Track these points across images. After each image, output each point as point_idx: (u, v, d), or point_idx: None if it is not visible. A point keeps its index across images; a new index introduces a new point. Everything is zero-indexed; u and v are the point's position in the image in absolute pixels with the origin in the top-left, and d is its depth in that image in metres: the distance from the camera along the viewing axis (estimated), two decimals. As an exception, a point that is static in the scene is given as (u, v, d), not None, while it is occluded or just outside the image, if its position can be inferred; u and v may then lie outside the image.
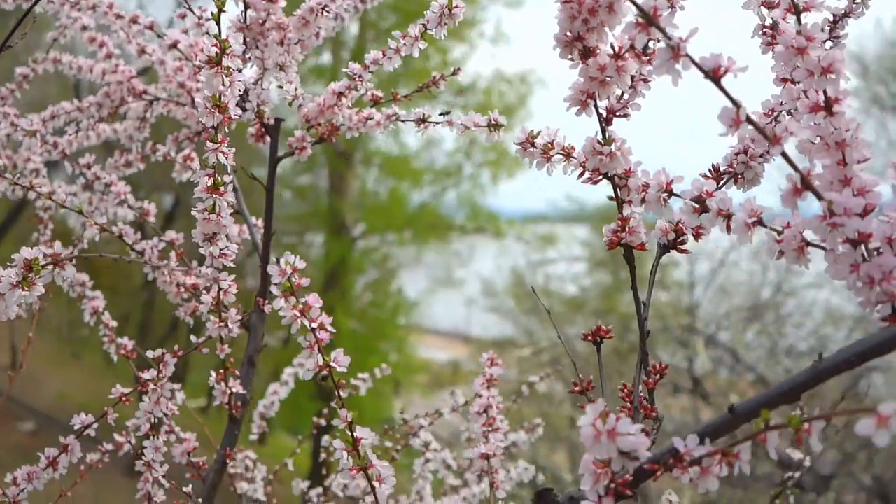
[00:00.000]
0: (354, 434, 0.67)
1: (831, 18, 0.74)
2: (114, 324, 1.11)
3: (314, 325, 0.64)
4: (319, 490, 1.40)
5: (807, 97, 0.57)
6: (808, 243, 0.56)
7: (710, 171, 0.71)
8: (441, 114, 0.98)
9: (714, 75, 0.52)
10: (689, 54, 0.51)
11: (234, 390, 0.99)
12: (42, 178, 1.27)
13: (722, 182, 0.71)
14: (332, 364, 0.66)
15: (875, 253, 0.53)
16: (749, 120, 0.51)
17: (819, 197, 0.52)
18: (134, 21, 1.11)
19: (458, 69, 1.03)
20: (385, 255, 12.50)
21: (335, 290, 11.29)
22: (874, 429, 0.41)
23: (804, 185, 0.52)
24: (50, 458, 0.93)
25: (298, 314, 0.64)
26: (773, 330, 6.50)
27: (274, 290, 0.63)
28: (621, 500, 0.58)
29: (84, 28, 1.19)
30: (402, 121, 1.00)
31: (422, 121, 0.98)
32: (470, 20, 11.09)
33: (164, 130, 1.37)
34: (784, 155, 0.52)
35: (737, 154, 0.70)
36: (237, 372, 0.98)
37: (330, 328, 0.65)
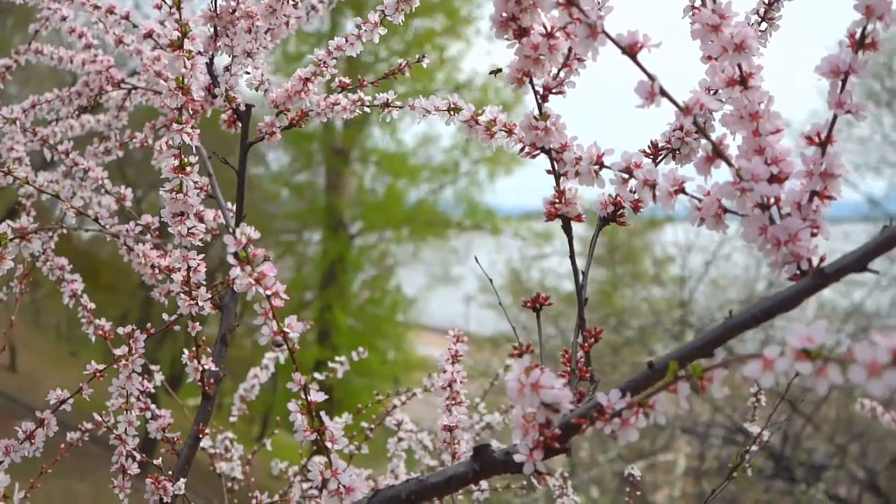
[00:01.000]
0: (309, 398, 0.70)
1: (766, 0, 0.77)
2: (92, 305, 1.15)
3: (269, 292, 0.68)
4: (296, 468, 1.43)
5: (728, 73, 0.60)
6: (726, 210, 0.59)
7: (648, 146, 0.75)
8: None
9: (630, 51, 0.55)
10: (606, 31, 0.55)
11: (206, 367, 1.03)
12: (25, 166, 1.30)
13: (660, 157, 0.75)
14: (286, 330, 0.69)
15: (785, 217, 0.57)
16: (663, 92, 0.55)
17: (729, 164, 0.56)
18: (110, 11, 1.14)
19: (423, 56, 1.06)
20: (383, 252, 12.54)
21: (333, 288, 11.33)
22: (760, 371, 0.45)
23: (716, 153, 0.56)
24: (27, 432, 0.97)
25: (254, 282, 0.67)
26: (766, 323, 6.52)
27: (230, 259, 0.67)
28: (552, 454, 0.62)
29: (63, 19, 1.23)
30: (368, 106, 1.03)
31: (385, 105, 1.01)
32: (466, 17, 11.12)
33: (143, 120, 1.40)
34: (696, 125, 0.56)
35: (674, 130, 0.74)
36: (209, 349, 1.02)
37: (284, 296, 0.68)
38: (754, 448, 1.12)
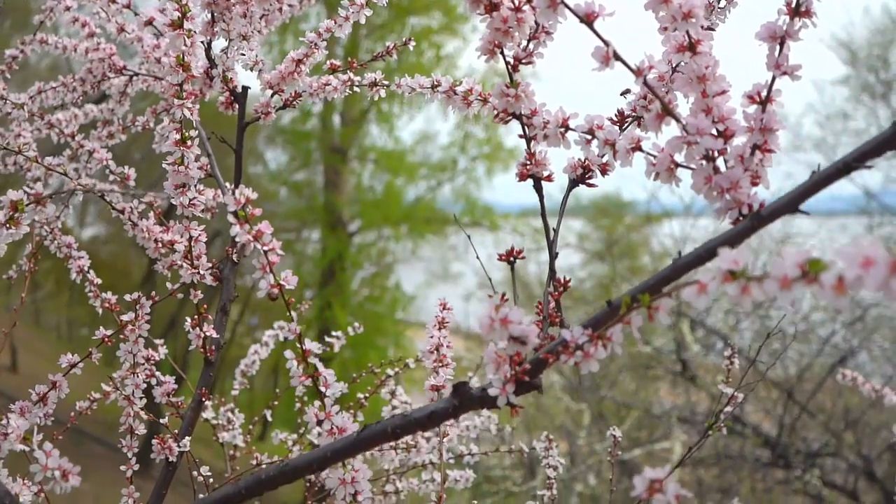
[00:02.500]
0: (304, 346, 0.76)
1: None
2: (98, 281, 1.21)
3: (266, 248, 0.74)
4: (295, 436, 1.50)
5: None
6: (677, 164, 0.66)
7: (615, 114, 0.81)
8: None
9: (588, 20, 0.61)
10: (564, 2, 0.61)
11: (207, 334, 1.09)
12: (32, 151, 1.36)
13: (626, 124, 0.81)
14: (283, 283, 0.75)
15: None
16: (616, 56, 0.61)
17: (678, 121, 0.62)
18: (112, 1, 1.20)
19: (410, 39, 1.12)
20: (381, 250, 12.60)
21: (332, 286, 11.39)
22: (696, 294, 0.51)
23: (665, 111, 0.62)
24: (40, 394, 1.03)
25: (252, 238, 0.73)
26: (763, 313, 6.61)
27: (230, 217, 0.73)
28: (524, 389, 0.68)
29: (67, 9, 1.29)
30: (357, 86, 1.09)
31: (374, 84, 1.08)
32: (463, 15, 11.18)
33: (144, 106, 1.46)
34: (647, 85, 0.62)
35: (638, 99, 0.80)
36: (210, 317, 1.08)
37: (280, 252, 0.75)
38: (727, 409, 1.18)
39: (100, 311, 1.20)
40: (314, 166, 12.46)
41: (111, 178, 1.22)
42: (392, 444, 1.28)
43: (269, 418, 1.53)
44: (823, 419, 6.02)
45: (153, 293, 1.04)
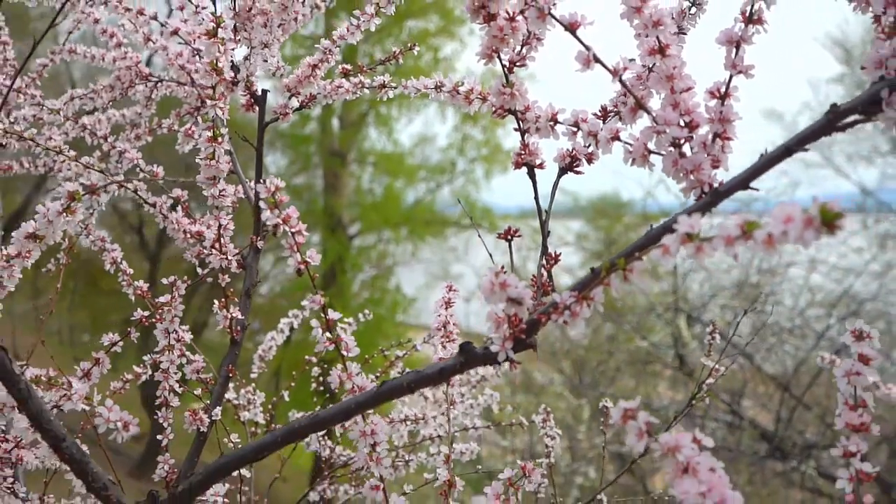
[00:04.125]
0: (327, 316, 0.87)
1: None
2: (130, 270, 1.31)
3: (294, 230, 0.85)
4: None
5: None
6: (650, 151, 0.76)
7: (599, 109, 0.91)
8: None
9: (572, 28, 0.72)
10: (552, 13, 0.72)
11: (234, 316, 1.19)
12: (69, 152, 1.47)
13: (609, 118, 0.91)
14: (308, 260, 0.86)
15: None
16: (596, 59, 0.72)
17: (648, 113, 0.73)
18: (140, 13, 1.31)
19: (414, 44, 1.23)
20: (381, 252, 12.69)
21: (333, 289, 11.49)
22: (661, 255, 0.61)
23: (637, 105, 0.73)
24: (84, 370, 1.13)
25: (281, 221, 0.84)
26: (759, 308, 6.72)
27: (262, 204, 0.84)
28: (521, 347, 0.78)
29: (96, 21, 1.39)
30: (367, 88, 1.20)
31: (382, 86, 1.18)
32: (460, 18, 11.30)
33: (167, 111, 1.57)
34: (622, 84, 0.72)
35: (618, 96, 0.91)
36: (236, 300, 1.19)
37: (305, 233, 0.85)
38: (710, 381, 1.28)
39: (133, 297, 1.31)
40: (314, 170, 12.56)
41: (140, 175, 1.33)
42: (402, 417, 1.38)
43: (287, 398, 1.63)
44: (819, 412, 6.12)
45: (185, 278, 1.15)
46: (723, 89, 0.74)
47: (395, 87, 1.16)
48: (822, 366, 1.99)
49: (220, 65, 0.91)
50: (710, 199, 0.69)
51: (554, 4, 0.75)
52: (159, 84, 1.41)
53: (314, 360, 1.66)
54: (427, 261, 12.99)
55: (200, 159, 1.00)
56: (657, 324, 6.79)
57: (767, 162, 0.68)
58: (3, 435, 1.14)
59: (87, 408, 0.83)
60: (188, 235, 1.24)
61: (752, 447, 6.08)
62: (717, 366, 1.31)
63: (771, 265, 6.83)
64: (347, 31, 1.15)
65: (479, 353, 0.78)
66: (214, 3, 0.93)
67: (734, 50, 0.74)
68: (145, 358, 1.33)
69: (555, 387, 7.05)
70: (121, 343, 1.15)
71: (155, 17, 1.33)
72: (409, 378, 0.80)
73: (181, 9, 1.33)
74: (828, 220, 0.49)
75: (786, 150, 0.66)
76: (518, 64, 0.83)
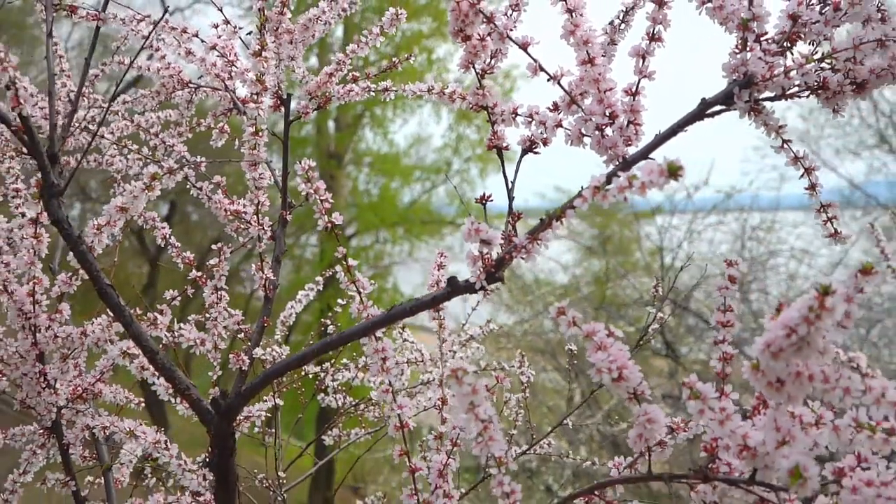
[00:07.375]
0: (348, 262, 1.16)
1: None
2: (178, 244, 1.60)
3: (322, 198, 1.13)
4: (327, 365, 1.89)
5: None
6: (583, 134, 1.05)
7: (552, 103, 1.20)
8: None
9: (523, 46, 1.01)
10: (509, 36, 1.00)
11: (268, 277, 1.48)
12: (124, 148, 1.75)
13: (559, 110, 1.20)
14: (334, 220, 1.15)
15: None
16: (540, 68, 1.01)
17: (579, 106, 1.02)
18: (184, 31, 1.59)
19: (411, 54, 1.52)
20: (379, 252, 12.95)
21: (331, 289, 11.75)
22: (581, 202, 0.90)
23: (571, 101, 1.02)
24: (153, 316, 1.41)
25: (313, 192, 1.13)
26: (741, 296, 7.02)
27: (298, 178, 1.12)
28: (492, 280, 1.06)
29: (145, 38, 1.68)
30: (374, 91, 1.49)
31: (386, 90, 1.47)
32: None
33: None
34: (560, 86, 1.01)
35: (564, 95, 1.19)
36: (269, 262, 1.47)
37: (330, 200, 1.14)
38: (655, 326, 1.57)
39: (181, 266, 1.59)
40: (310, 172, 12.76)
41: (185, 168, 1.61)
42: (406, 358, 1.67)
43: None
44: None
45: (229, 244, 1.43)
46: (633, 89, 1.03)
47: (396, 90, 1.45)
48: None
49: (263, 77, 1.19)
50: (622, 166, 0.98)
51: (512, 28, 1.04)
52: (198, 90, 1.70)
53: (328, 322, 1.96)
54: (424, 260, 13.23)
55: (244, 148, 1.29)
56: (645, 314, 7.09)
57: (659, 140, 0.96)
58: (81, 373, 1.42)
59: (168, 334, 1.12)
60: (228, 213, 1.52)
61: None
62: (660, 314, 1.59)
63: (757, 254, 7.13)
64: (358, 46, 1.44)
65: (462, 284, 1.07)
66: (261, 31, 1.22)
67: (641, 60, 1.03)
68: (190, 318, 1.61)
69: (546, 374, 7.35)
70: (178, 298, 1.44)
71: (196, 35, 1.62)
72: (409, 304, 1.08)
73: (215, 27, 1.62)
74: (672, 171, 0.77)
75: (671, 132, 0.95)
76: (488, 72, 1.12)
